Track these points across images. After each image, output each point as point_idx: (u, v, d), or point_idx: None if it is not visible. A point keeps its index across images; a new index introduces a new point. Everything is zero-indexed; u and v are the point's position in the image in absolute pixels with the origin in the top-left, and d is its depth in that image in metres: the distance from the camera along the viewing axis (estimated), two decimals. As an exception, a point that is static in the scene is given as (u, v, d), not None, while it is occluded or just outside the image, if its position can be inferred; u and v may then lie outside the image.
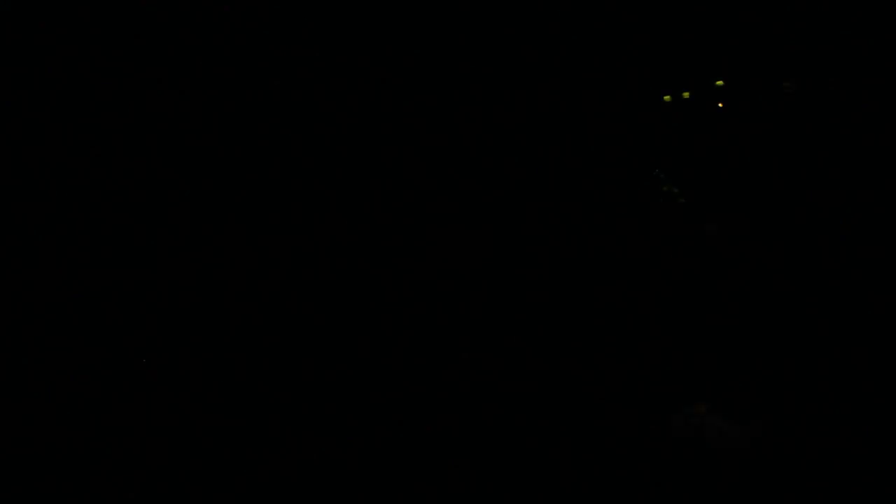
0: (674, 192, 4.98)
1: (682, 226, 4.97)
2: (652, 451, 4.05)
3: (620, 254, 5.02)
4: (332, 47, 5.12)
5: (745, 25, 4.98)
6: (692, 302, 4.81)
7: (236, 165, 5.23)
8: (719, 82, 5.08)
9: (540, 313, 5.05)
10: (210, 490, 3.45)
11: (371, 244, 5.28)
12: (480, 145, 5.44)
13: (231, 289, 5.05)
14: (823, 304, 4.66)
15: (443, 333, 5.02)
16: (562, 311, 5.02)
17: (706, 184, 4.98)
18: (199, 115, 5.08)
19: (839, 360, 4.45)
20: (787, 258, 4.84)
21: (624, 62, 5.23)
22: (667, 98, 5.19)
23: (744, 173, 5.00)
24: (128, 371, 4.60)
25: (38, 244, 4.70)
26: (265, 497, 3.43)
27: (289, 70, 5.08)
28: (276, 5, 5.08)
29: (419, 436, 4.18)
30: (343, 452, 3.85)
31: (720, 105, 5.11)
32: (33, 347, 4.47)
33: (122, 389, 4.46)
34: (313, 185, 5.29)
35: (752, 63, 5.04)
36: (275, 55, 5.09)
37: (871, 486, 3.36)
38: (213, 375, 4.63)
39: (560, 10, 5.25)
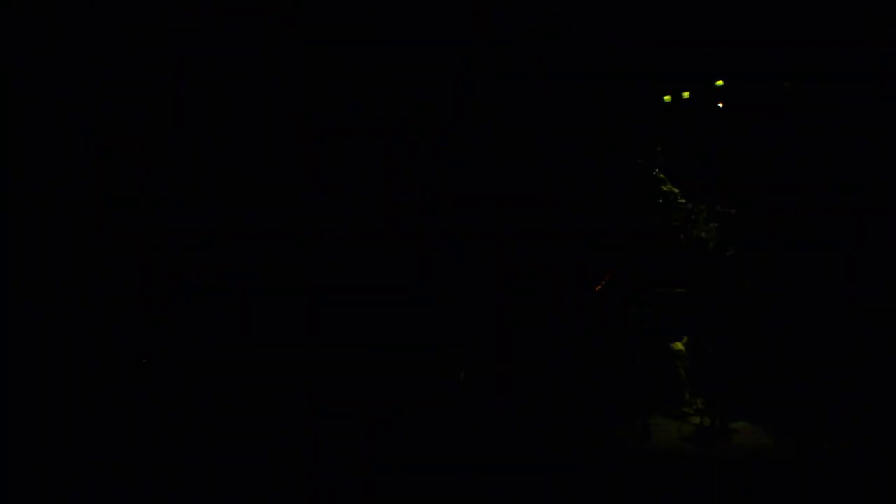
0: (674, 192, 4.97)
1: (683, 226, 4.96)
2: (654, 449, 4.06)
3: (620, 253, 5.02)
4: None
5: (745, 25, 4.98)
6: (692, 302, 4.79)
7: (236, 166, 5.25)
8: (719, 82, 5.08)
9: (545, 316, 5.05)
10: (209, 490, 3.47)
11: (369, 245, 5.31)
12: (480, 145, 5.45)
13: (230, 290, 5.06)
14: (825, 304, 4.64)
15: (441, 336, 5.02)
16: (564, 314, 5.01)
17: (706, 183, 4.96)
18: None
19: (841, 359, 4.44)
20: (790, 259, 4.83)
21: (624, 62, 5.24)
22: (667, 98, 5.19)
23: (744, 172, 4.99)
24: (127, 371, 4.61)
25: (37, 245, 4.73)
26: (264, 496, 3.44)
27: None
28: None
29: (419, 436, 4.18)
30: (341, 451, 3.87)
31: (720, 105, 5.11)
32: (34, 348, 4.49)
33: (121, 389, 4.47)
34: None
35: (752, 63, 5.04)
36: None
37: (871, 485, 3.36)
38: (211, 376, 4.64)
39: (560, 10, 5.26)
